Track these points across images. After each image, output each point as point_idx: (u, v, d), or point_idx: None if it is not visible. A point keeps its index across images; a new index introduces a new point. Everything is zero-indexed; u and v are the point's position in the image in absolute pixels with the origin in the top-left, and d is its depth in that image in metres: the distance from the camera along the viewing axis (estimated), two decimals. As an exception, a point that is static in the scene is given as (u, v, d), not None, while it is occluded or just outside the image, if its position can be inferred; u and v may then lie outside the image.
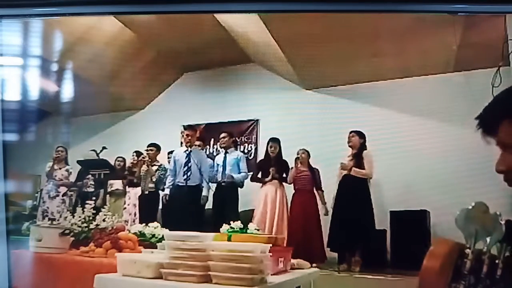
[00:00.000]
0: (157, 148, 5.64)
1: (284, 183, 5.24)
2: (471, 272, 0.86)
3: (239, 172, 5.36)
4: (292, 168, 5.21)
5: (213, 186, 5.35)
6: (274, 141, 5.33)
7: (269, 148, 5.33)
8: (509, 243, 0.91)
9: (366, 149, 4.90)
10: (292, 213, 5.13)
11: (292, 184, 5.21)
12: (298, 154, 5.20)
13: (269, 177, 5.20)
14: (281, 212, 5.12)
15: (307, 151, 5.22)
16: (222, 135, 5.53)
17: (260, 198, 5.20)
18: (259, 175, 5.34)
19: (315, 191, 5.14)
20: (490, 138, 1.00)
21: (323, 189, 5.14)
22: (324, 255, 4.93)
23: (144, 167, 5.50)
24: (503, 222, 0.94)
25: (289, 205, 5.18)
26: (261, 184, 5.28)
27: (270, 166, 5.24)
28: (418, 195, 5.05)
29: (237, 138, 6.08)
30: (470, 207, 0.98)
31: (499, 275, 0.85)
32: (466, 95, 4.65)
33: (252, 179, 5.40)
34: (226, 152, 5.47)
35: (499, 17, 3.45)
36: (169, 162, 5.48)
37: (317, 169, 5.19)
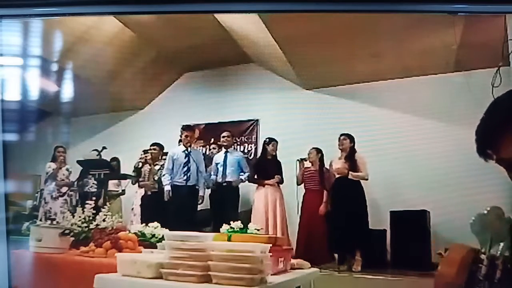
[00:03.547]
0: (161, 147, 5.64)
1: (280, 185, 5.21)
2: (486, 278, 0.85)
3: (243, 172, 5.32)
4: (301, 167, 5.20)
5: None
6: (273, 140, 5.32)
7: (270, 147, 5.29)
8: None
9: (356, 152, 4.95)
10: (303, 213, 5.11)
11: (302, 184, 5.19)
12: (309, 153, 5.18)
13: (274, 180, 5.16)
14: (281, 213, 5.10)
15: (316, 150, 5.19)
16: (225, 133, 5.49)
17: (260, 199, 5.15)
18: (255, 176, 5.30)
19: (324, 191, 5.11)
20: (490, 155, 0.89)
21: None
22: (331, 255, 4.88)
23: (147, 167, 5.49)
24: None
25: (285, 206, 5.16)
26: (256, 185, 5.24)
27: (269, 167, 5.21)
28: (418, 195, 5.04)
29: (237, 138, 6.05)
30: (486, 212, 0.95)
31: None
32: (466, 95, 4.65)
33: (250, 180, 5.34)
34: (226, 152, 5.43)
35: (499, 17, 3.45)
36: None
37: (327, 168, 5.16)
